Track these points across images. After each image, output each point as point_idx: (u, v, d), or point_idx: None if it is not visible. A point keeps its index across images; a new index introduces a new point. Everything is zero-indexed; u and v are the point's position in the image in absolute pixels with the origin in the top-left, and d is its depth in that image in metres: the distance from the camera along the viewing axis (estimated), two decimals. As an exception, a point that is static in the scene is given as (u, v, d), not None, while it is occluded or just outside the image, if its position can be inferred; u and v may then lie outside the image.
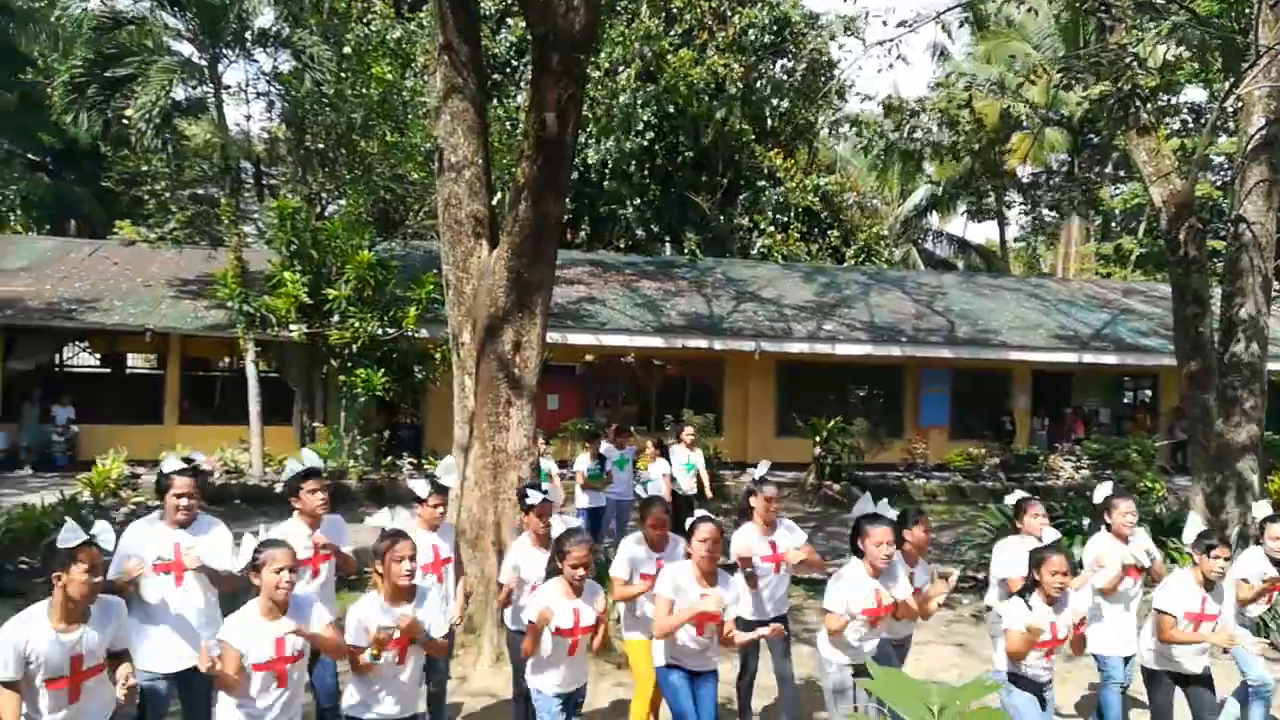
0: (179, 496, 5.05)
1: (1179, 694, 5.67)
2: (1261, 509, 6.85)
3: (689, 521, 5.26)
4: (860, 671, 5.18)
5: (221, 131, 17.01)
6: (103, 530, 4.13)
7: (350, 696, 4.48)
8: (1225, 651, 6.55)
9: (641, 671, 5.80)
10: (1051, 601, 5.09)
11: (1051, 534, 6.30)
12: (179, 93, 16.59)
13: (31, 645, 3.90)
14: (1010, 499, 6.76)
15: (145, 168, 17.31)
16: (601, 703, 6.75)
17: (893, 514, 5.49)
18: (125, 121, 16.16)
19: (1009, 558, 6.22)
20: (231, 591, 5.12)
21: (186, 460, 5.35)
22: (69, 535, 3.94)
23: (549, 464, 10.55)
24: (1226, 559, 5.60)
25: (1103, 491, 6.49)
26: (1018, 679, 5.15)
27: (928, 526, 5.96)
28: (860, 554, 5.26)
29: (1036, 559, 5.17)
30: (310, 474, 5.55)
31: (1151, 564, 6.12)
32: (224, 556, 5.14)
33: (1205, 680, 5.57)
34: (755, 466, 6.56)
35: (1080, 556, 6.90)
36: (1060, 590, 5.07)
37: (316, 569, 5.46)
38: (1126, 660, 6.19)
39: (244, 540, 4.60)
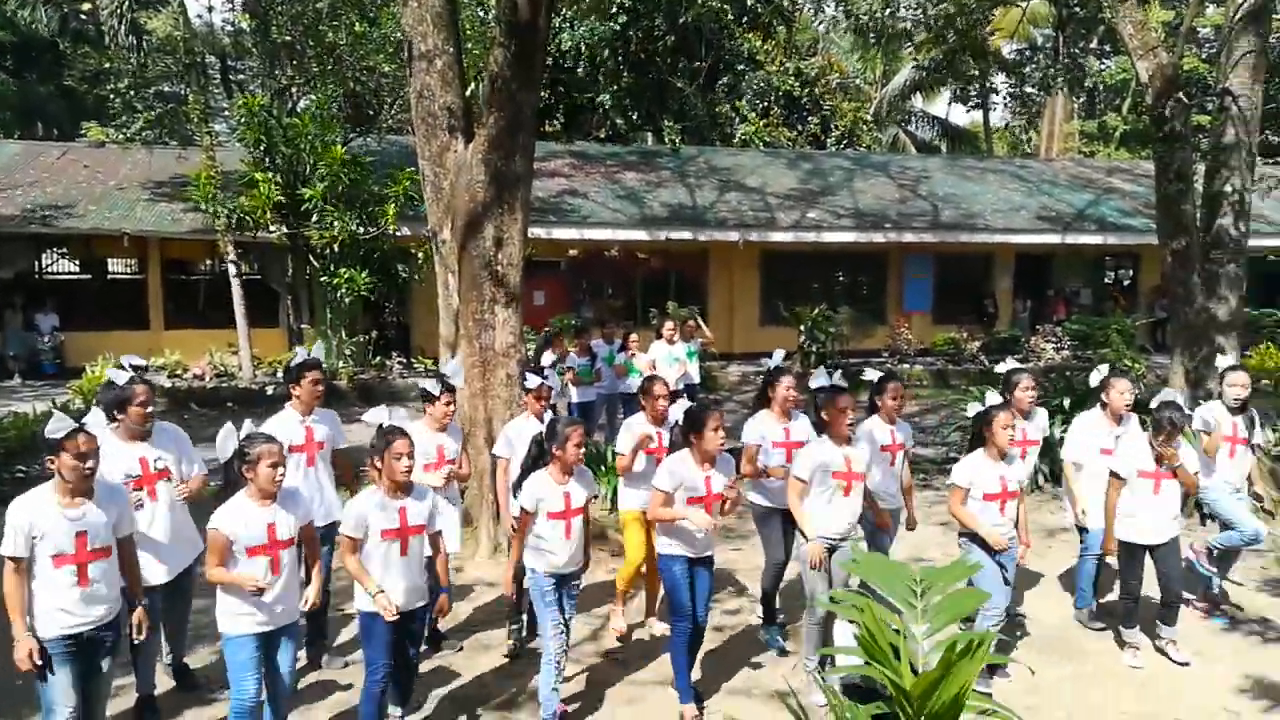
0: (143, 405, 4.94)
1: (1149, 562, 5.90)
2: (1224, 360, 7.02)
3: (678, 409, 5.39)
4: (836, 546, 5.34)
5: (184, 25, 16.43)
6: (94, 417, 4.24)
7: (360, 593, 4.59)
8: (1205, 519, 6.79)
9: (632, 543, 6.00)
10: (1001, 456, 5.40)
11: (1041, 413, 6.47)
12: (137, -15, 15.98)
13: (35, 518, 4.04)
14: (1001, 368, 6.82)
15: (108, 65, 16.80)
16: (595, 586, 6.96)
17: (840, 380, 5.53)
18: (83, 16, 15.60)
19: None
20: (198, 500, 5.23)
21: (135, 368, 5.16)
22: (56, 426, 4.06)
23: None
24: (1177, 443, 5.74)
25: (1099, 374, 6.59)
26: (977, 539, 5.41)
27: (896, 391, 6.01)
28: (824, 427, 5.40)
29: (987, 417, 5.45)
30: (312, 364, 5.66)
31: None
32: (194, 463, 5.24)
33: (1172, 547, 5.80)
34: (759, 356, 6.64)
35: (1061, 434, 7.08)
36: (1010, 444, 5.39)
37: (311, 458, 5.58)
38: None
39: (224, 431, 4.55)
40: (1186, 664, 5.84)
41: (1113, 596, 6.74)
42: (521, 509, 4.96)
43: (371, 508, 4.53)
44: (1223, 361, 7.03)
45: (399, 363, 16.50)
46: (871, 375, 6.19)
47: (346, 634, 6.20)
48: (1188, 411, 6.11)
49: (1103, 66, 32.77)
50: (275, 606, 4.37)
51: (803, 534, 5.33)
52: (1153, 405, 5.93)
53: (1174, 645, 5.92)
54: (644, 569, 6.13)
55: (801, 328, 17.62)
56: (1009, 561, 5.52)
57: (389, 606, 4.41)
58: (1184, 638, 6.07)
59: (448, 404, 5.87)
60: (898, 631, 2.78)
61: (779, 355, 6.38)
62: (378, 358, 16.55)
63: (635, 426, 6.05)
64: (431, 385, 5.85)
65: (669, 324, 11.44)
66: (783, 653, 6.03)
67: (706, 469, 5.11)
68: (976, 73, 30.17)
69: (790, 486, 5.40)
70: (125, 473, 4.87)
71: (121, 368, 5.14)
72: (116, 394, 4.96)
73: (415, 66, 8.22)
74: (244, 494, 4.38)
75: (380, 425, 4.71)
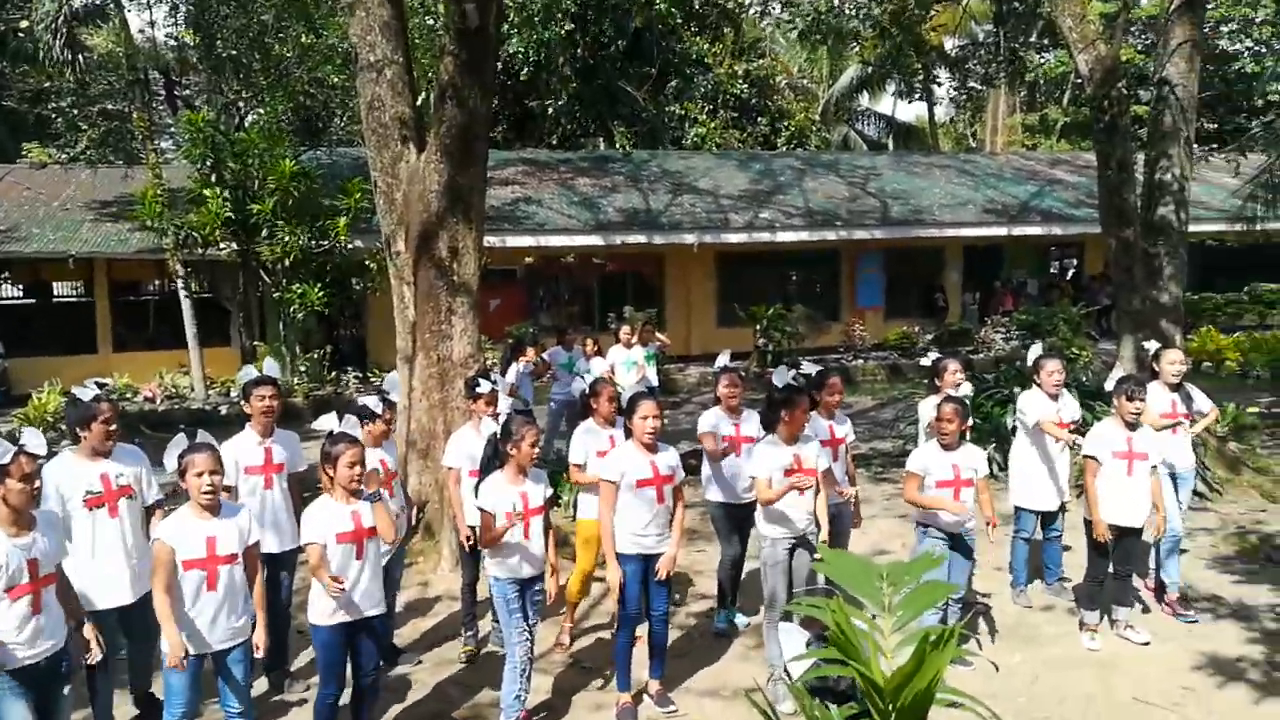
0: (106, 423, 4.90)
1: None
2: (1153, 345, 7.31)
3: (622, 399, 5.52)
4: (797, 545, 5.38)
5: (126, 40, 16.15)
6: (31, 437, 4.10)
7: (312, 605, 4.56)
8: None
9: (584, 551, 6.12)
10: (948, 447, 5.60)
11: (965, 389, 6.62)
12: (75, -1, 15.66)
13: None
14: (926, 360, 7.04)
15: (48, 83, 16.46)
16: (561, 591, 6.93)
17: (800, 381, 5.77)
18: (20, 34, 15.26)
19: (929, 414, 6.50)
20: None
21: (100, 385, 5.16)
22: None
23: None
24: (1143, 400, 5.91)
25: (1034, 353, 6.84)
26: (932, 528, 5.63)
27: (836, 387, 6.24)
28: (773, 425, 5.47)
29: (936, 409, 5.73)
30: (260, 381, 5.52)
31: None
32: (152, 486, 5.17)
33: (1138, 534, 5.93)
34: (716, 357, 6.82)
35: (1011, 420, 7.24)
36: (948, 435, 5.57)
37: (269, 480, 5.48)
38: (1047, 514, 6.69)
39: (174, 441, 4.51)
40: (1146, 643, 5.97)
41: (1073, 578, 6.89)
42: (480, 510, 4.95)
43: (327, 513, 4.52)
44: (1153, 345, 7.30)
45: (355, 378, 16.34)
46: (809, 369, 6.31)
47: (307, 657, 6.13)
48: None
49: (1043, 60, 33.35)
50: (214, 626, 4.33)
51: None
52: (1108, 387, 6.15)
53: (1131, 628, 6.06)
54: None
55: (757, 327, 17.74)
56: (965, 547, 5.65)
57: (339, 591, 4.38)
58: (1138, 618, 6.22)
59: (388, 420, 5.79)
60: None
61: (724, 356, 6.62)
62: (333, 373, 16.38)
63: (586, 433, 6.10)
64: (373, 403, 5.68)
65: (625, 328, 11.50)
66: (728, 635, 6.27)
67: (647, 455, 5.17)
68: (920, 67, 30.57)
69: (756, 489, 5.44)
70: (86, 489, 4.81)
71: (86, 387, 5.07)
72: (81, 411, 4.92)
73: (364, 77, 8.18)
74: (185, 506, 4.36)
75: (330, 432, 4.68)
